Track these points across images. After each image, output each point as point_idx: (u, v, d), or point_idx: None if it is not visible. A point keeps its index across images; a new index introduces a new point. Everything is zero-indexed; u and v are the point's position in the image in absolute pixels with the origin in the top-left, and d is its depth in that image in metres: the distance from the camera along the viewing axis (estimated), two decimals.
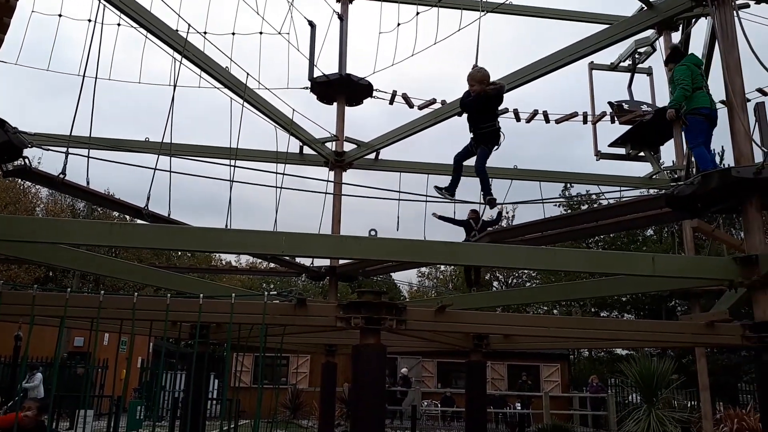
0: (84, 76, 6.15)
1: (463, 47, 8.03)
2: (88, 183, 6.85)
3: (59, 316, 4.68)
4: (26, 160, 6.34)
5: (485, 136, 6.55)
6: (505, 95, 6.73)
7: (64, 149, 6.52)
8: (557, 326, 5.70)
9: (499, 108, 6.78)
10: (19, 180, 32.41)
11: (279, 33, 10.23)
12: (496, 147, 6.67)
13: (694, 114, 6.13)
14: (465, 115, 6.78)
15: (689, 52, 6.96)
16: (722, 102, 10.21)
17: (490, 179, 6.97)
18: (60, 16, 9.04)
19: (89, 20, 7.89)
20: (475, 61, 6.67)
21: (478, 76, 6.43)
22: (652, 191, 10.31)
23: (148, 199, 7.18)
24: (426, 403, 22.72)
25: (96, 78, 6.34)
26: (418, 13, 10.05)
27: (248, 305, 4.96)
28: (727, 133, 5.78)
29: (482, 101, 6.41)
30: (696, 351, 10.83)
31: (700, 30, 7.47)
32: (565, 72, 8.14)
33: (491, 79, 6.49)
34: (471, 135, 6.67)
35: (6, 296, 4.67)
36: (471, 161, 6.92)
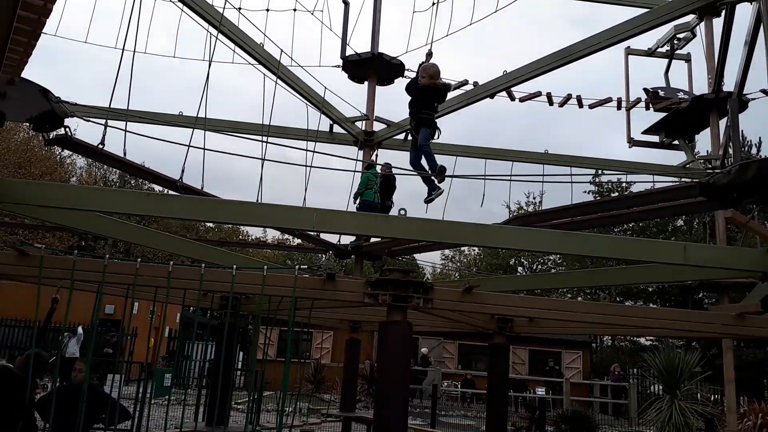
0: (123, 49, 6.25)
1: (495, 30, 7.99)
2: (125, 154, 7.00)
3: (97, 282, 4.82)
4: (68, 130, 6.50)
5: (425, 122, 7.37)
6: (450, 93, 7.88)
7: (102, 120, 6.66)
8: (585, 311, 5.70)
9: (440, 105, 7.68)
10: (57, 150, 33.10)
11: (311, 12, 10.24)
12: (433, 136, 7.49)
13: (364, 203, 8.76)
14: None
15: (385, 163, 9.61)
16: (763, 91, 9.90)
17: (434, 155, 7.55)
18: None
19: None
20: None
21: (430, 71, 7.41)
22: (685, 180, 10.12)
23: (183, 171, 7.31)
24: (446, 384, 22.89)
25: (134, 51, 6.42)
26: None
27: (279, 278, 5.05)
28: (767, 123, 5.65)
29: (428, 92, 7.35)
30: (723, 344, 10.70)
31: (744, 16, 7.25)
32: (599, 56, 8.00)
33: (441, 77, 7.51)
34: (411, 118, 7.60)
35: (47, 260, 4.83)
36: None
